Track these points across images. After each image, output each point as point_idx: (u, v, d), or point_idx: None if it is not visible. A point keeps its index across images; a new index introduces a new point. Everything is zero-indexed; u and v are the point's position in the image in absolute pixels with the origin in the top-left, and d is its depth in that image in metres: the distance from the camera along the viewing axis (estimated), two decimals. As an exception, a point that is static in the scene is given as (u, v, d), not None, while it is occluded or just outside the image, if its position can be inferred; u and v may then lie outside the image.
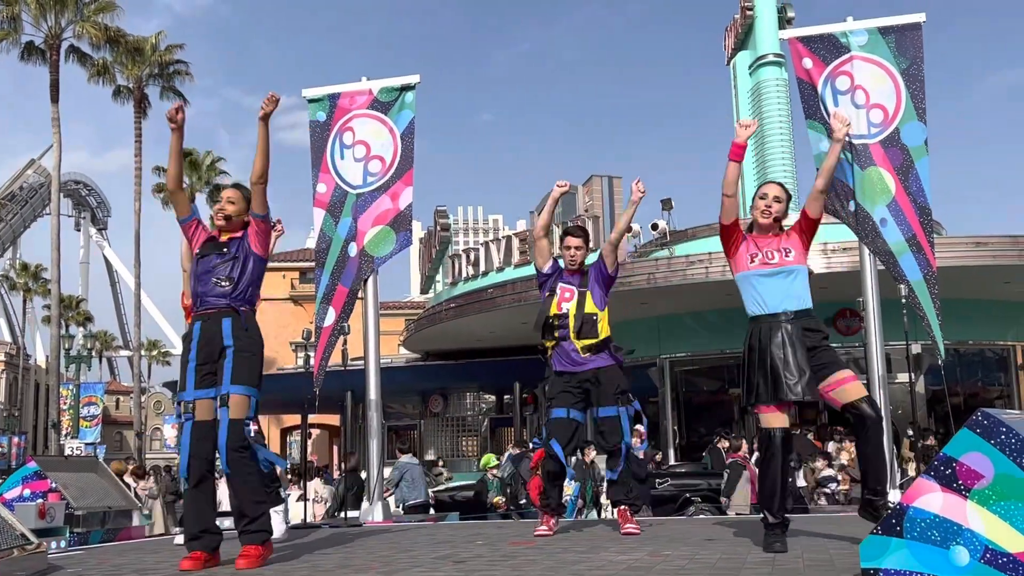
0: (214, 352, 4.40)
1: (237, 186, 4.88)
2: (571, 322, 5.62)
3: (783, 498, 4.49)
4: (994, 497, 2.80)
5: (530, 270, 6.14)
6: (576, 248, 5.86)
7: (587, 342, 5.59)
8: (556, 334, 5.64)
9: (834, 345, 4.75)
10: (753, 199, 4.79)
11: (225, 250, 4.57)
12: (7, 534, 4.37)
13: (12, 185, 65.08)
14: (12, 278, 65.12)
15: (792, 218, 4.94)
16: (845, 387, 4.43)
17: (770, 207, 4.72)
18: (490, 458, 15.23)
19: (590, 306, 5.67)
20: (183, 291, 5.53)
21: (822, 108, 8.03)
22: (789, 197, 4.85)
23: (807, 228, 4.71)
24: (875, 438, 4.45)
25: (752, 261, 4.71)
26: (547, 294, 5.81)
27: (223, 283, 4.48)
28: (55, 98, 31.45)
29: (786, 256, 4.65)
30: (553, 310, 5.69)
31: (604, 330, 5.67)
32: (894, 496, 6.45)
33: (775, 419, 4.45)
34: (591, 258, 6.01)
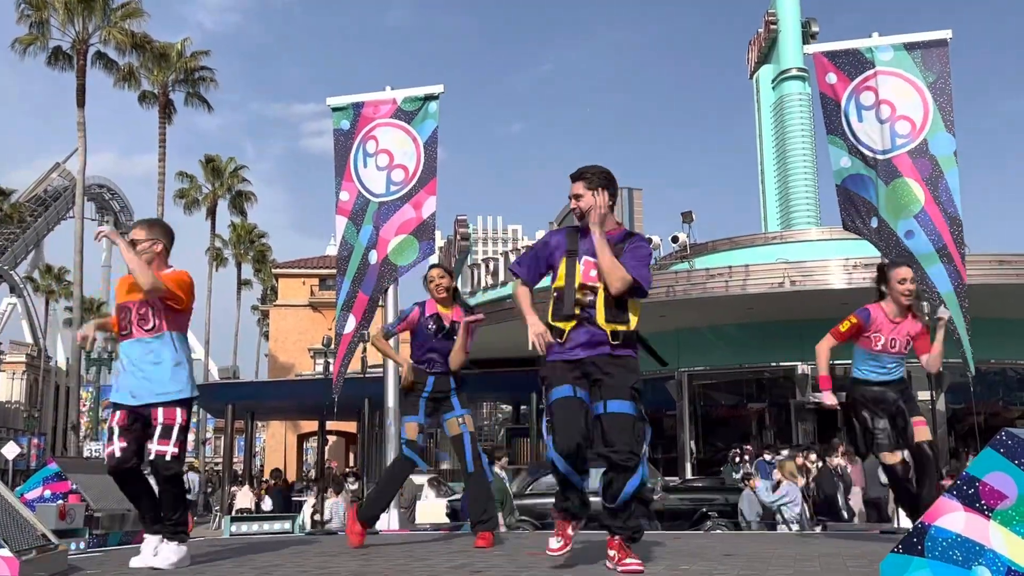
0: (440, 397, 6.13)
1: (438, 265, 6.32)
2: (600, 300, 4.26)
3: (915, 508, 5.58)
4: (1017, 518, 2.78)
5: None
6: (575, 197, 4.42)
7: (617, 327, 4.26)
8: (577, 311, 4.25)
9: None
10: (889, 279, 5.65)
11: (447, 330, 6.12)
12: (28, 534, 4.41)
13: (37, 188, 65.60)
14: (35, 280, 65.74)
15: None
16: (915, 429, 5.67)
17: (911, 290, 5.59)
18: None
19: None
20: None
21: (844, 124, 8.00)
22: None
23: (921, 346, 5.72)
24: (928, 473, 5.64)
25: (875, 345, 5.66)
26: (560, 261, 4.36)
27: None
28: (81, 102, 31.81)
29: (905, 347, 5.67)
30: (579, 279, 4.31)
31: (634, 319, 4.35)
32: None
33: (890, 457, 5.71)
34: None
